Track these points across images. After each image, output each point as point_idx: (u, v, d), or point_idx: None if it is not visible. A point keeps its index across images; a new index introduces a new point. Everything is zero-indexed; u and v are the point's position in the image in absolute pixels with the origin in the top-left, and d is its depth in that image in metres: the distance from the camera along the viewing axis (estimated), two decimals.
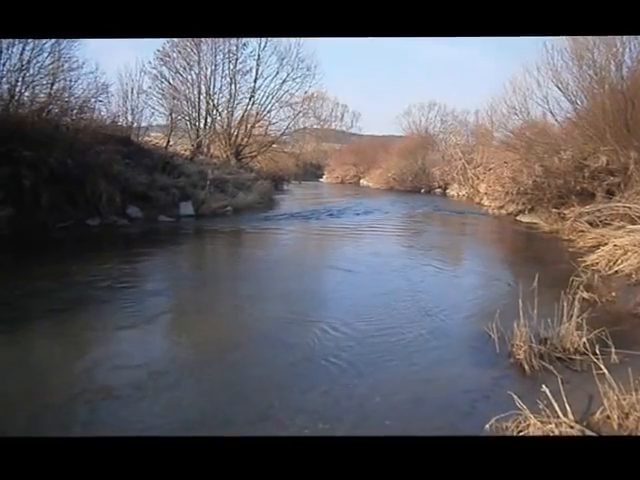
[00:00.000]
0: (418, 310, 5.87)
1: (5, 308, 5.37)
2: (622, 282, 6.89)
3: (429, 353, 4.58)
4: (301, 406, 3.51)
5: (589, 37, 12.65)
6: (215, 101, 22.61)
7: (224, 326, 5.34)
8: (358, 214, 16.52)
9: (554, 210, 13.03)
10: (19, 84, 11.74)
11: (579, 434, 3.02)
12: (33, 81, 12.01)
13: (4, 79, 11.56)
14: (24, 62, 11.75)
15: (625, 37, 12.17)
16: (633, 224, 8.89)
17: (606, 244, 8.28)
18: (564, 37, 13.19)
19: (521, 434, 3.05)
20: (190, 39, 21.25)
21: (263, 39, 22.75)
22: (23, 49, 11.66)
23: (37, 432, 3.03)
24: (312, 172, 41.61)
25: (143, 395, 3.62)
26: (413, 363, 4.33)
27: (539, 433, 3.04)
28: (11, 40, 11.32)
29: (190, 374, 4.04)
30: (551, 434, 3.02)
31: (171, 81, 21.30)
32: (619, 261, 7.46)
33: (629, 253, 7.48)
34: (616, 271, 7.30)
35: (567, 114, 14.55)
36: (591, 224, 10.43)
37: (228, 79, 22.70)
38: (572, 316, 4.45)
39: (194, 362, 4.31)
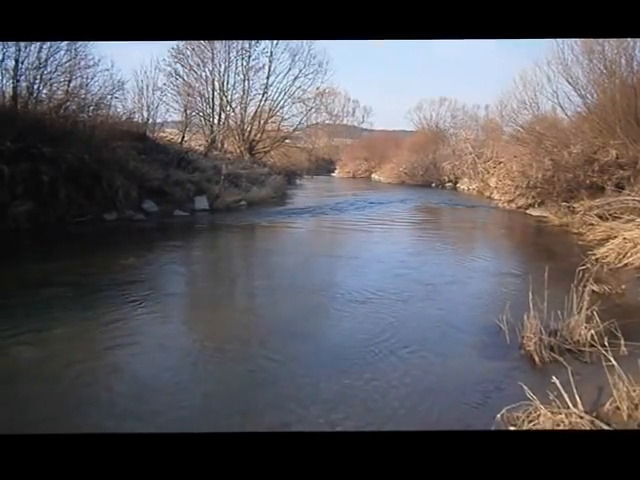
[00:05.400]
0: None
1: None
2: (631, 275, 6.97)
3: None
4: None
5: None
6: (229, 97, 22.75)
7: None
8: (372, 207, 16.66)
9: (564, 204, 13.05)
10: (37, 82, 11.88)
11: (589, 425, 3.07)
12: (51, 79, 12.15)
13: (23, 77, 11.70)
14: (42, 60, 11.87)
15: None
16: None
17: (616, 237, 8.35)
18: None
19: (532, 424, 3.11)
20: None
21: None
22: (40, 47, 11.76)
23: None
24: (324, 167, 41.49)
25: None
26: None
27: (549, 423, 3.09)
28: None
29: None
30: (561, 424, 3.08)
31: (185, 78, 21.43)
32: (629, 254, 7.55)
33: (639, 246, 7.57)
34: (626, 264, 7.39)
35: (577, 108, 14.57)
36: (601, 217, 10.45)
37: (241, 76, 22.82)
38: (582, 308, 4.51)
39: None
